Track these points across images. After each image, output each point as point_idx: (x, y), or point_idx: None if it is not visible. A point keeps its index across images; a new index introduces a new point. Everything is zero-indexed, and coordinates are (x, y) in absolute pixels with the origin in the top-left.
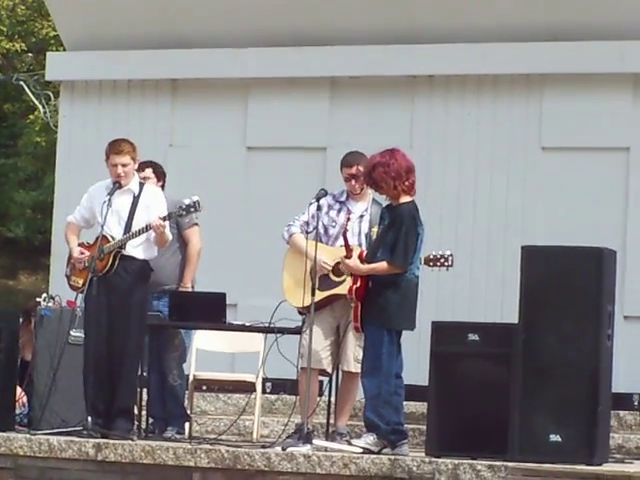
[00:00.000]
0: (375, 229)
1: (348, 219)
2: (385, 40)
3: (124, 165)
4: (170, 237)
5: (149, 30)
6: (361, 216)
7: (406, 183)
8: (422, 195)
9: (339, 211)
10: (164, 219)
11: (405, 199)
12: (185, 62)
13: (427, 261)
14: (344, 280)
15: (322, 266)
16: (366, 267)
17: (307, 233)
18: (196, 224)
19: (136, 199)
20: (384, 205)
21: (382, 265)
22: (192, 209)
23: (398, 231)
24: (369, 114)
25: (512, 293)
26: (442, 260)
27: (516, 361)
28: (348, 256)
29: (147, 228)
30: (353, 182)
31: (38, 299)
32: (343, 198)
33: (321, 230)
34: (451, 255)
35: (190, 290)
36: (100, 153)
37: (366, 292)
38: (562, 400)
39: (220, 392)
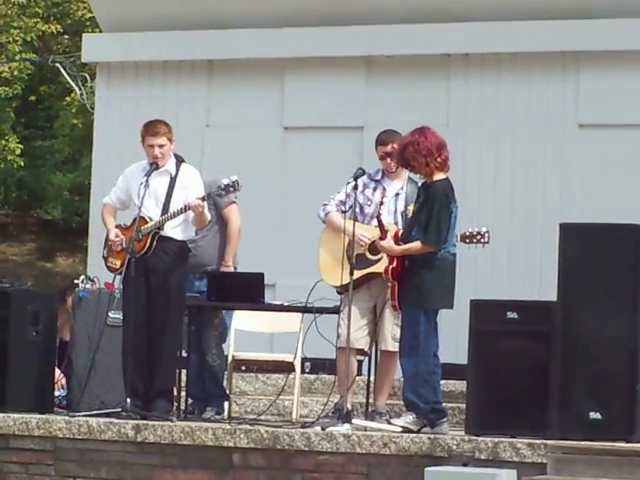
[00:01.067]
0: (411, 207)
1: (381, 203)
2: (420, 19)
3: (160, 146)
4: (209, 217)
5: (185, 11)
6: (397, 194)
7: (438, 159)
8: (459, 173)
9: (375, 189)
10: (203, 199)
11: (439, 176)
12: (221, 43)
13: (463, 238)
14: (380, 258)
15: (360, 239)
16: (400, 248)
17: (343, 212)
18: (234, 202)
19: (173, 180)
20: (420, 183)
21: (416, 245)
22: (231, 189)
23: (431, 210)
24: (405, 93)
25: (550, 270)
26: (478, 237)
27: (555, 339)
28: (382, 237)
29: (186, 209)
30: (388, 160)
31: (76, 281)
32: (379, 177)
33: (357, 209)
34: (487, 232)
35: (232, 269)
36: (136, 134)
37: (402, 271)
38: (601, 377)
39: (259, 372)
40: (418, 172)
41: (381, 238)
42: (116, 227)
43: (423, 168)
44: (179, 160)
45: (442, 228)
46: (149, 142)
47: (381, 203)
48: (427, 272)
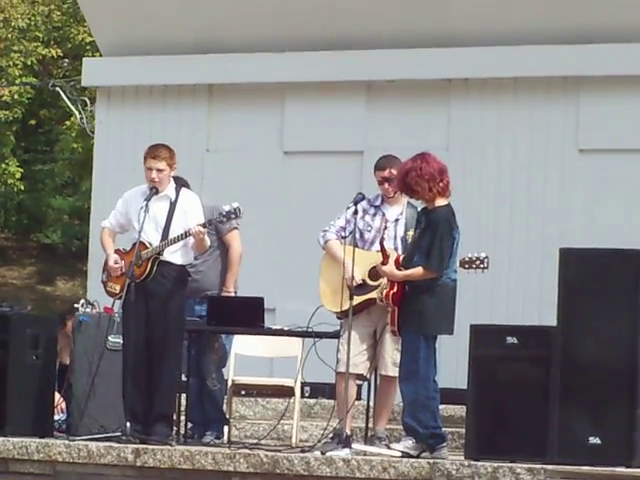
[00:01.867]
0: (411, 232)
1: (385, 227)
2: (420, 44)
3: (159, 170)
4: (209, 242)
5: (185, 35)
6: (396, 220)
7: (440, 184)
8: (459, 198)
9: (374, 215)
10: (204, 226)
11: (441, 202)
12: (221, 67)
13: (462, 263)
14: (380, 284)
15: (347, 281)
16: (401, 273)
17: (343, 238)
18: (236, 228)
19: (173, 205)
20: (420, 208)
21: (417, 271)
22: (233, 215)
23: (433, 236)
24: (405, 117)
25: (550, 295)
26: (477, 262)
27: (555, 363)
28: (384, 262)
29: (186, 235)
30: (386, 185)
31: (76, 305)
32: (378, 202)
33: (357, 235)
34: (487, 257)
35: (232, 294)
36: (136, 158)
37: (402, 297)
38: (601, 402)
39: (259, 397)
40: (420, 198)
41: (383, 263)
42: (115, 252)
43: (426, 193)
44: (180, 184)
45: (444, 254)
46: (148, 164)
47: (385, 228)
48: (428, 298)
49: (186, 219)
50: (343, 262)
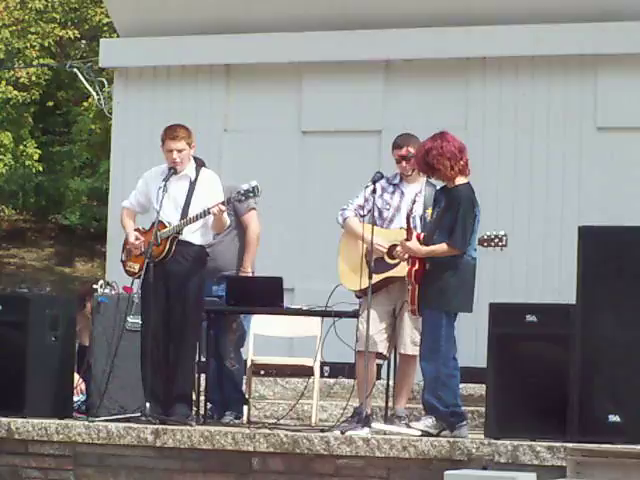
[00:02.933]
0: (429, 211)
1: (414, 202)
2: (438, 23)
3: (179, 151)
4: (228, 222)
5: (202, 15)
6: (415, 198)
7: (461, 162)
8: (477, 177)
9: (393, 193)
10: (223, 204)
11: (461, 180)
12: (239, 47)
13: (481, 241)
14: (399, 262)
15: (377, 248)
16: (425, 249)
17: (362, 217)
18: (254, 208)
19: (192, 184)
20: (438, 187)
21: (441, 247)
22: (251, 194)
23: (456, 213)
24: (423, 97)
25: (569, 273)
26: (496, 240)
27: (574, 342)
28: (408, 238)
29: (205, 213)
30: (404, 163)
31: (95, 286)
32: (396, 180)
33: (375, 213)
34: (505, 235)
35: (249, 275)
36: (154, 139)
37: (424, 275)
38: (620, 380)
39: (278, 376)
40: (442, 176)
41: (407, 239)
42: (135, 230)
43: (448, 172)
44: (199, 164)
45: (467, 231)
46: (168, 146)
47: (414, 202)
48: (450, 276)
49: (206, 198)
50: (362, 236)
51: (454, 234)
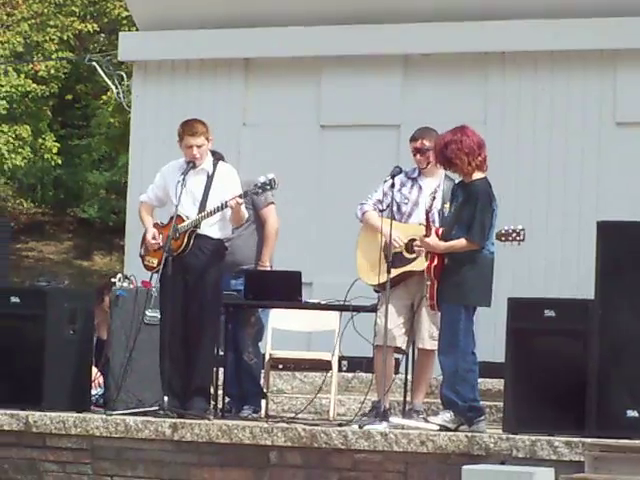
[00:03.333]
0: (448, 205)
1: (434, 198)
2: (457, 17)
3: (199, 146)
4: (246, 215)
5: (221, 9)
6: (434, 192)
7: (479, 158)
8: (496, 171)
9: (411, 188)
10: (240, 197)
11: (478, 175)
12: (258, 41)
13: (499, 236)
14: (417, 257)
15: (394, 242)
16: (444, 245)
17: (380, 211)
18: (272, 203)
19: (210, 178)
20: (456, 182)
21: (460, 242)
22: (268, 187)
23: (474, 208)
24: (442, 91)
25: (588, 268)
26: (514, 235)
27: (592, 337)
28: (427, 234)
29: (222, 207)
30: (418, 156)
31: (113, 279)
32: (415, 175)
33: (394, 208)
34: (523, 230)
35: (267, 269)
36: (173, 132)
37: (442, 270)
38: (638, 375)
39: (296, 371)
40: (459, 171)
41: (426, 235)
42: (153, 226)
43: (465, 167)
44: (216, 158)
45: (486, 226)
46: (188, 142)
47: (433, 198)
48: (469, 270)
49: (223, 192)
50: (381, 230)
51: (472, 229)
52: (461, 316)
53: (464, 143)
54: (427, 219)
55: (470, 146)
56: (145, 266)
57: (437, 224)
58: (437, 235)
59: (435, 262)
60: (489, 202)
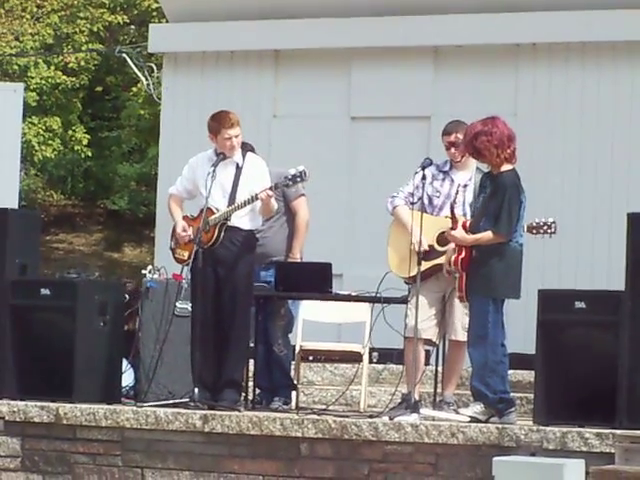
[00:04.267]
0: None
1: (457, 192)
2: (488, 8)
3: (237, 136)
4: (276, 207)
5: (251, 1)
6: (465, 185)
7: (508, 151)
8: (527, 163)
9: (443, 181)
10: (271, 189)
11: (507, 167)
12: (288, 32)
13: (530, 229)
14: (448, 250)
15: (419, 245)
16: (471, 237)
17: (412, 204)
18: (303, 195)
19: (239, 170)
20: (485, 172)
21: (487, 235)
22: (298, 179)
23: (501, 200)
24: (473, 83)
25: (619, 260)
26: (545, 227)
27: (623, 329)
28: (454, 227)
29: (253, 199)
30: (452, 150)
31: (143, 271)
32: (447, 168)
33: (425, 200)
34: (554, 222)
35: (298, 261)
36: (203, 124)
37: (470, 262)
38: None
39: (327, 362)
40: (487, 162)
41: (452, 228)
42: (183, 218)
43: (494, 158)
44: (247, 149)
45: (513, 218)
46: (226, 134)
47: (456, 193)
48: (496, 262)
49: (253, 184)
50: (411, 229)
51: (499, 221)
52: (489, 308)
53: (494, 135)
54: (452, 212)
55: (500, 138)
56: (176, 259)
57: (469, 217)
58: (464, 227)
59: (463, 254)
60: (517, 194)
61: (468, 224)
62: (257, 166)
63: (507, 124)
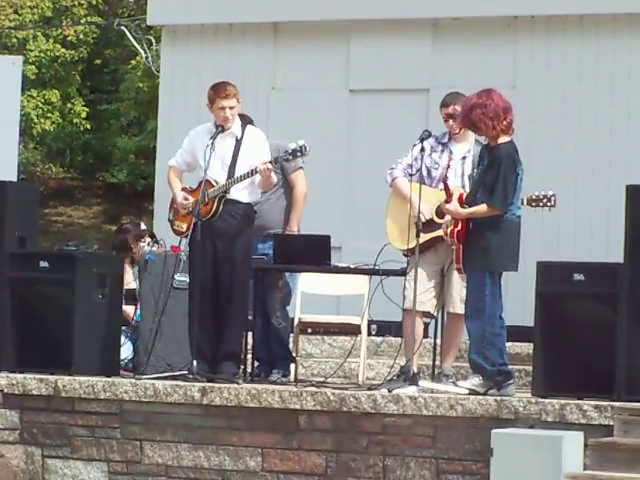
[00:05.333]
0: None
1: (448, 166)
2: None
3: (231, 108)
4: (275, 180)
5: None
6: (464, 157)
7: (504, 123)
8: (525, 136)
9: (442, 152)
10: (270, 163)
11: (503, 139)
12: (287, 5)
13: (530, 201)
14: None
15: (421, 216)
16: (465, 211)
17: (410, 176)
18: (301, 167)
19: (239, 142)
20: (483, 144)
21: (481, 208)
22: (298, 153)
23: (497, 172)
24: (471, 55)
25: (617, 232)
26: (545, 200)
27: (622, 300)
28: (448, 200)
29: (252, 172)
30: (451, 122)
31: (142, 243)
32: (445, 139)
33: (424, 172)
34: (554, 195)
35: (295, 234)
36: (202, 97)
37: (467, 235)
38: None
39: (325, 335)
40: (483, 134)
41: (446, 201)
42: (182, 190)
43: (489, 131)
44: (245, 122)
45: (508, 191)
46: (220, 104)
47: (448, 166)
48: (493, 235)
49: (252, 157)
50: (410, 200)
51: (494, 194)
52: (486, 281)
53: (489, 107)
54: (445, 186)
55: (495, 110)
56: (174, 231)
57: (467, 189)
58: (461, 200)
59: (459, 227)
60: (513, 167)
61: (465, 196)
62: (257, 139)
63: (503, 96)
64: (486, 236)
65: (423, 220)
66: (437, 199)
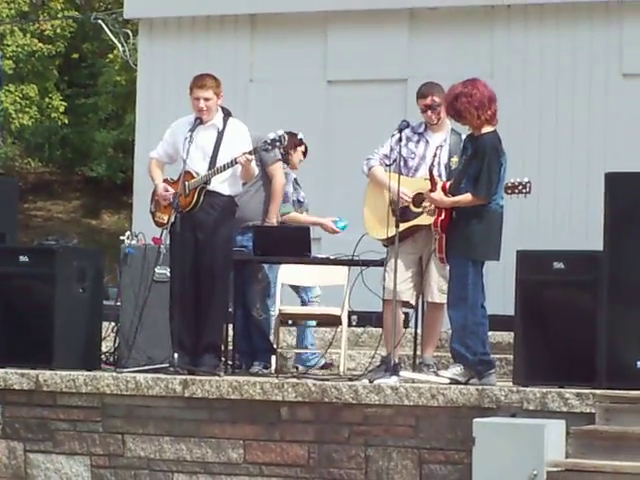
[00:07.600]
0: (454, 159)
1: (435, 155)
2: None
3: (206, 99)
4: (256, 171)
5: None
6: (440, 146)
7: (489, 112)
8: (504, 125)
9: (418, 142)
10: (250, 153)
11: (487, 129)
12: None
13: (506, 189)
14: (422, 212)
15: (402, 197)
16: (450, 200)
17: (387, 166)
18: (280, 159)
19: (220, 134)
20: (466, 135)
21: (466, 197)
22: (277, 143)
23: (481, 162)
24: (449, 45)
25: (596, 220)
26: (520, 187)
27: (602, 288)
28: (432, 189)
29: (232, 163)
30: (429, 113)
31: (122, 237)
32: (421, 129)
33: (401, 162)
34: (529, 182)
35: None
36: (180, 90)
37: (450, 224)
38: None
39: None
40: (468, 124)
41: (431, 190)
42: (163, 181)
43: (474, 120)
44: (226, 114)
45: (493, 181)
46: (195, 94)
47: (434, 155)
48: (476, 224)
49: (233, 148)
50: (389, 185)
51: (479, 184)
52: (469, 269)
53: (474, 96)
54: (431, 175)
55: (480, 100)
56: (155, 222)
57: (444, 178)
58: (444, 189)
59: (442, 216)
60: (497, 157)
61: (448, 185)
62: (239, 131)
63: (488, 86)
64: (469, 225)
65: (407, 199)
66: (414, 188)
